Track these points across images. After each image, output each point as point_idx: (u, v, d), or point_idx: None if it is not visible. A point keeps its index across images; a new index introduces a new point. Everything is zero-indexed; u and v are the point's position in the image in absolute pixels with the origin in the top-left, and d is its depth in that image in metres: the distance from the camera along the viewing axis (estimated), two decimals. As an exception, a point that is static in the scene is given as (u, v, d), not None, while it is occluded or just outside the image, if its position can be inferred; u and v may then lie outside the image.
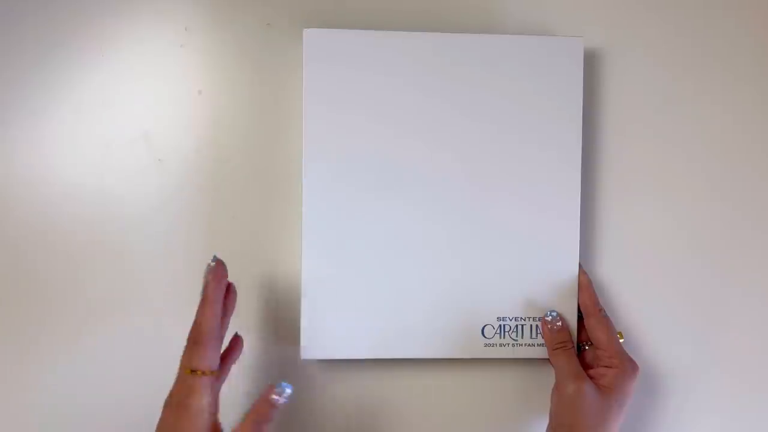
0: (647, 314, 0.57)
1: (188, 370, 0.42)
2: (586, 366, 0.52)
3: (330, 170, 0.51)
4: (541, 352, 0.53)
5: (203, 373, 0.42)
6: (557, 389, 0.50)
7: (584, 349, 0.53)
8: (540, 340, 0.53)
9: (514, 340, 0.53)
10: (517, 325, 0.53)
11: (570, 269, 0.53)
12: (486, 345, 0.52)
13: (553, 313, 0.52)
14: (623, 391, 0.49)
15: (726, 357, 0.58)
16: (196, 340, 0.43)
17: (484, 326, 0.52)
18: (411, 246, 0.51)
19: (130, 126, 0.55)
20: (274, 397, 0.44)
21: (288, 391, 0.45)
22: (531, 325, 0.53)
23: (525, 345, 0.53)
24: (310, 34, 0.50)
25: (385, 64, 0.51)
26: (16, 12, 0.54)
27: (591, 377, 0.50)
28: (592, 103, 0.57)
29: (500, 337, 0.52)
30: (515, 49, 0.52)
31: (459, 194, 0.52)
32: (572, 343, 0.52)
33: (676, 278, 0.58)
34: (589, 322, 0.52)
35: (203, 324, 0.43)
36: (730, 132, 0.58)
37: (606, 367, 0.50)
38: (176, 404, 0.42)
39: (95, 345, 0.54)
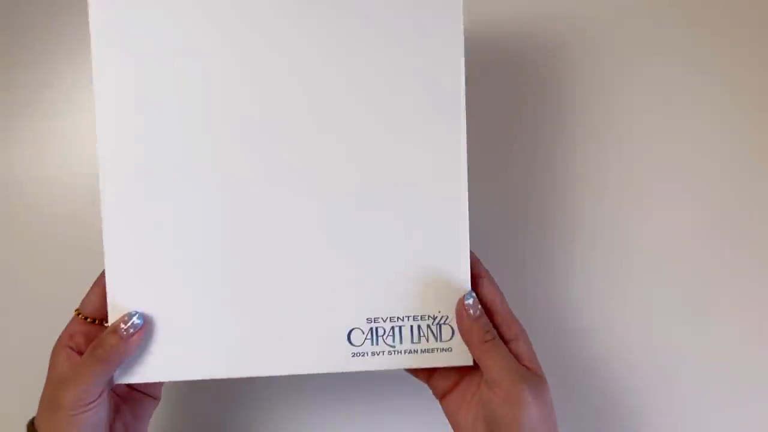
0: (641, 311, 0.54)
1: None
2: None
3: (134, 151, 0.41)
4: (428, 360, 0.41)
5: (78, 313, 0.43)
6: (493, 397, 0.38)
7: None
8: (424, 344, 0.40)
9: (390, 346, 0.40)
10: (393, 327, 0.40)
11: (457, 252, 0.40)
12: (354, 355, 0.40)
13: (473, 294, 0.40)
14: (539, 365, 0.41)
15: (724, 356, 0.54)
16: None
17: (351, 330, 0.40)
18: (250, 235, 0.40)
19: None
20: (122, 326, 0.39)
21: (137, 321, 0.40)
22: (411, 326, 0.40)
23: (406, 352, 0.40)
24: None
25: (218, 11, 0.40)
26: (16, 12, 0.56)
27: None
28: (575, 99, 0.55)
29: (372, 344, 0.40)
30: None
31: (309, 163, 0.40)
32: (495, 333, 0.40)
33: (675, 278, 0.54)
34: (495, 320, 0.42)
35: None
36: (728, 131, 0.55)
37: (512, 341, 0.41)
38: None
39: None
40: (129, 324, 0.39)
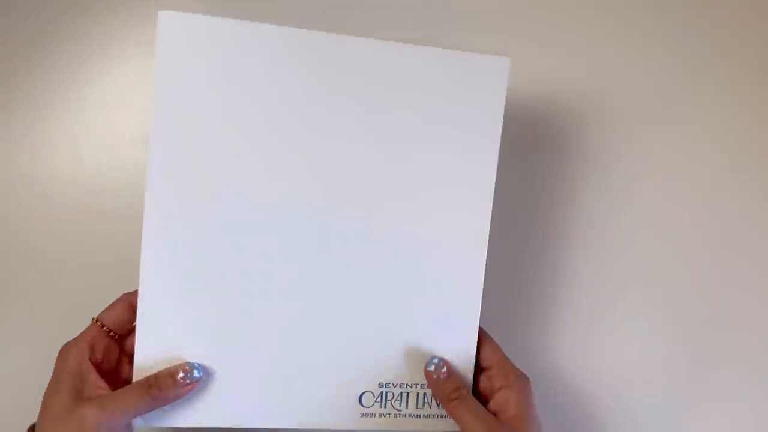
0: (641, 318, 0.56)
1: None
2: (484, 401, 0.44)
3: (177, 198, 0.41)
4: (429, 425, 0.44)
5: (96, 321, 0.43)
6: None
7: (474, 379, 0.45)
8: (428, 410, 0.44)
9: (397, 410, 0.44)
10: (402, 393, 0.44)
11: (466, 332, 0.44)
12: (363, 415, 0.43)
13: (435, 360, 0.43)
14: (533, 413, 0.43)
15: (726, 357, 0.57)
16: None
17: (363, 393, 0.43)
18: (278, 293, 0.42)
19: (130, 126, 0.54)
20: (181, 374, 0.40)
21: (196, 375, 0.41)
22: (417, 393, 0.44)
23: (410, 416, 0.44)
24: (167, 19, 0.39)
25: (264, 65, 0.41)
26: (17, 12, 0.54)
27: (497, 413, 0.43)
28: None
29: (380, 406, 0.44)
30: (427, 62, 0.42)
31: (340, 227, 0.42)
32: (467, 387, 0.44)
33: (674, 278, 0.57)
34: None
35: (130, 293, 0.44)
36: (730, 132, 0.57)
37: (503, 389, 0.43)
38: None
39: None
40: (188, 375, 0.41)
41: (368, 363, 0.43)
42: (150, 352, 0.41)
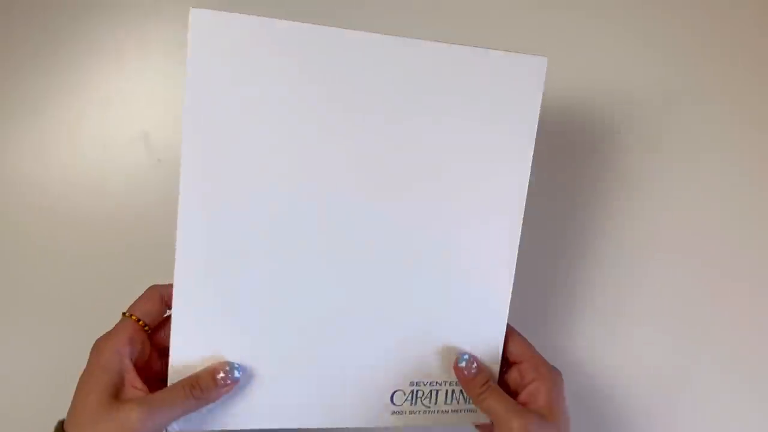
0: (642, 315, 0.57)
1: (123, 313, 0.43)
2: (514, 394, 0.45)
3: (210, 196, 0.40)
4: (456, 419, 0.46)
5: (130, 315, 0.42)
6: None
7: (504, 373, 0.47)
8: (456, 405, 0.45)
9: (426, 407, 0.45)
10: (432, 391, 0.45)
11: (495, 330, 0.45)
12: (394, 412, 0.45)
13: (465, 356, 0.44)
14: (563, 405, 0.44)
15: (724, 357, 0.58)
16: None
17: (395, 392, 0.44)
18: (312, 297, 0.42)
19: (130, 126, 0.55)
20: (222, 374, 0.40)
21: (236, 375, 0.41)
22: (447, 390, 0.45)
23: (439, 412, 0.45)
24: (198, 17, 0.39)
25: (297, 65, 0.40)
26: (17, 12, 0.54)
27: (527, 403, 0.44)
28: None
29: (411, 404, 0.45)
30: (463, 61, 0.42)
31: (371, 227, 0.42)
32: (494, 378, 0.45)
33: (674, 281, 0.58)
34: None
35: (159, 285, 0.43)
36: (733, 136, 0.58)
37: (534, 382, 0.44)
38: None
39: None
40: (228, 375, 0.41)
41: (400, 363, 0.44)
42: (186, 353, 0.41)
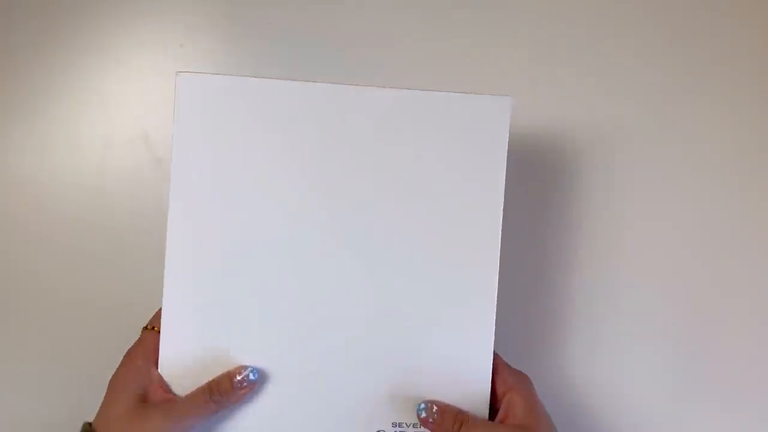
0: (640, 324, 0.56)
1: (144, 327, 0.44)
2: (495, 407, 0.44)
3: (198, 256, 0.42)
4: None
5: (152, 327, 0.44)
6: None
7: None
8: None
9: None
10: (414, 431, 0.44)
11: (479, 373, 0.44)
12: None
13: (421, 406, 0.42)
14: (540, 410, 0.43)
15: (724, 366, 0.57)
16: None
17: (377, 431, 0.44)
18: (299, 337, 0.43)
19: (130, 126, 0.55)
20: (239, 377, 0.41)
21: (252, 377, 0.41)
22: None
23: None
24: (185, 81, 0.42)
25: (276, 119, 0.42)
26: (16, 12, 0.54)
27: (506, 419, 0.43)
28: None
29: None
30: (429, 106, 0.43)
31: (350, 269, 0.43)
32: (464, 411, 0.43)
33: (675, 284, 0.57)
34: None
35: None
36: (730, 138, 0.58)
37: (506, 394, 0.43)
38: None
39: (94, 345, 0.54)
40: (245, 378, 0.41)
41: (382, 403, 0.43)
42: (175, 363, 0.42)
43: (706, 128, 0.57)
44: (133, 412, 0.40)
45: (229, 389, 0.41)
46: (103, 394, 0.42)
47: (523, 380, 0.44)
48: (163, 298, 0.42)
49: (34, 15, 0.54)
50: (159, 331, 0.43)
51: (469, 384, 0.44)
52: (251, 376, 0.41)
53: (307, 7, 0.56)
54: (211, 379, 0.42)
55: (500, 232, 0.44)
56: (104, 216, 0.54)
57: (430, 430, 0.43)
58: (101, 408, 0.41)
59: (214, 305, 0.42)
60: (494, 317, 0.44)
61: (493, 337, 0.44)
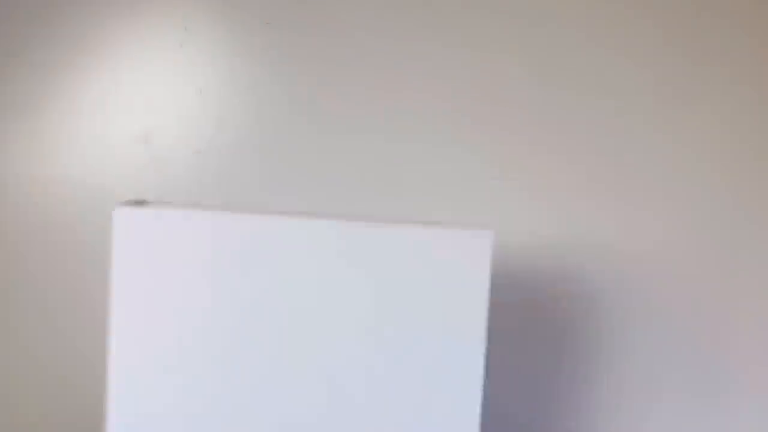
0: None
1: None
2: None
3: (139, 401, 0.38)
4: None
5: None
6: None
7: None
8: None
9: None
10: None
11: None
12: None
13: None
14: None
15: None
16: None
17: None
18: None
19: (130, 126, 0.55)
20: None
21: None
22: None
23: None
24: (121, 216, 0.38)
25: (225, 254, 0.38)
26: (17, 12, 0.54)
27: None
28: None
29: None
30: (401, 242, 0.38)
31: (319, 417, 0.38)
32: None
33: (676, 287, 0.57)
34: None
35: None
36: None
37: None
38: None
39: (95, 345, 0.54)
40: None
41: None
42: None
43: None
44: None
45: None
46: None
47: None
48: None
49: (34, 15, 0.54)
50: None
51: None
52: None
53: (307, 2, 0.56)
54: None
55: (481, 390, 0.39)
56: (104, 216, 0.54)
57: None
58: None
59: None
60: None
61: None
